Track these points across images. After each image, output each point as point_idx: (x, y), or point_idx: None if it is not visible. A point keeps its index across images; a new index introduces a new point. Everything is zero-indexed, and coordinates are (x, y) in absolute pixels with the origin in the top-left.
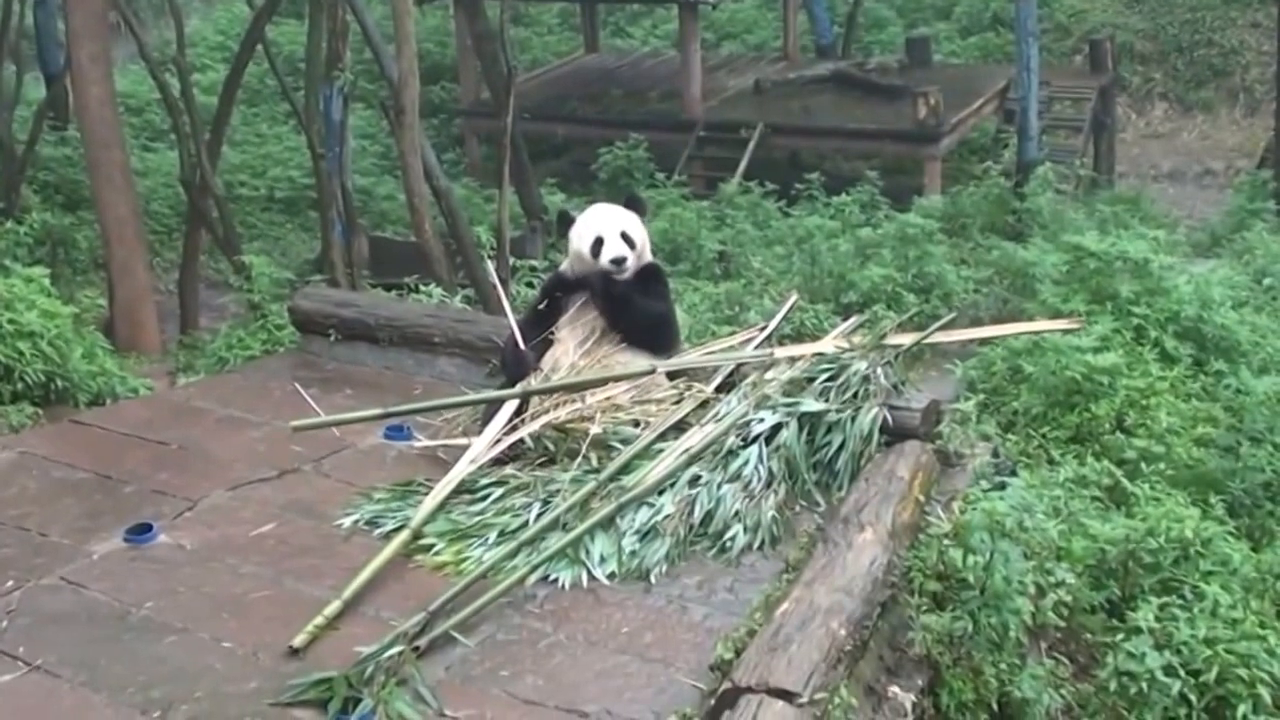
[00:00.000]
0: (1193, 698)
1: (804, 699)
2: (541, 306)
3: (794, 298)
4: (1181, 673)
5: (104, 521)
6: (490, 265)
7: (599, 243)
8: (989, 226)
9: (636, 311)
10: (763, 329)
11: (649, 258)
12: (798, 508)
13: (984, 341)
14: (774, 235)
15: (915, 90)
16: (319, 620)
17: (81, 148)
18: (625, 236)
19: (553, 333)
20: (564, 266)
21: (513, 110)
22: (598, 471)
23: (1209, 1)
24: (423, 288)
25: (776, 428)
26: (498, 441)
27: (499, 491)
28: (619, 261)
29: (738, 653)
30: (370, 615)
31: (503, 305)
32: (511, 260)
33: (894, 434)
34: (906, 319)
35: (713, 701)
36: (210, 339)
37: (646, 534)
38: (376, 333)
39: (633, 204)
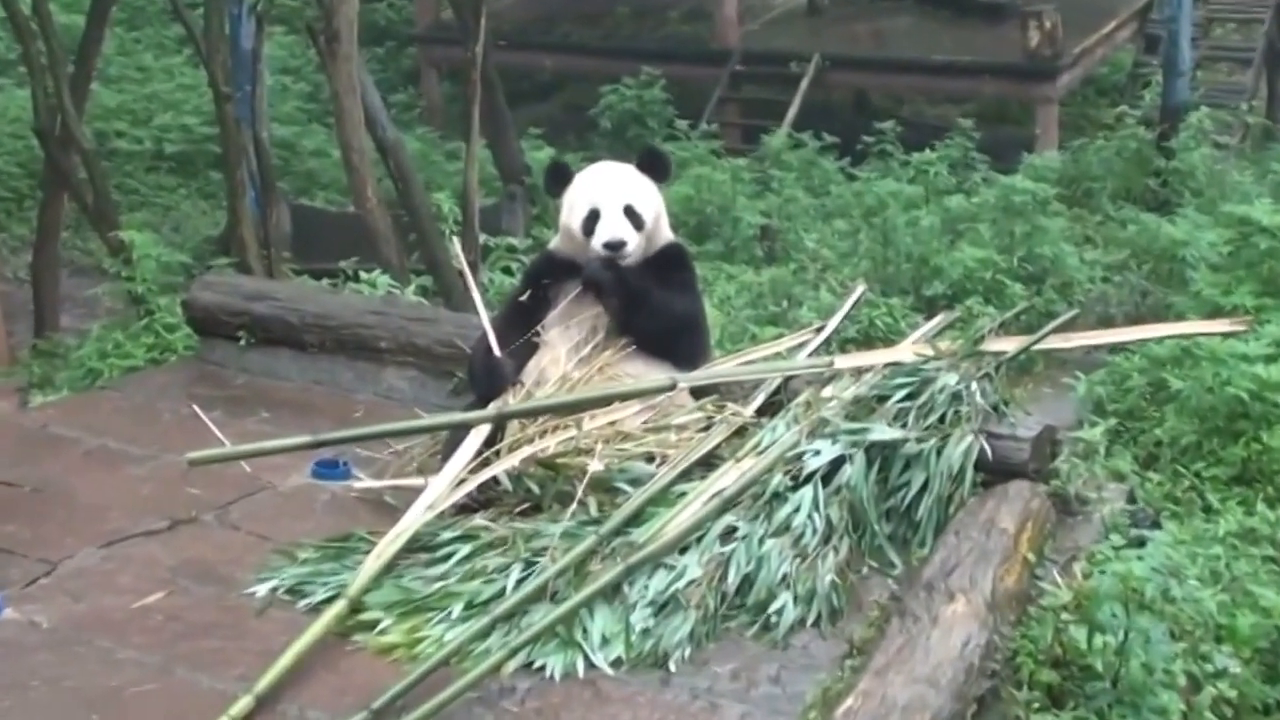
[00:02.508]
0: None
1: None
2: (524, 299)
3: (861, 289)
4: None
5: None
6: (455, 244)
7: (593, 217)
8: (1123, 193)
9: (655, 308)
10: (819, 331)
11: (667, 236)
12: (865, 570)
13: (1116, 348)
14: (834, 205)
15: (1025, 9)
16: None
17: None
18: (630, 211)
19: (538, 334)
20: (554, 245)
21: (484, 36)
22: (599, 522)
23: None
24: (364, 274)
25: (837, 463)
26: (464, 481)
27: (466, 549)
28: (616, 246)
29: None
30: (293, 716)
31: (471, 298)
32: (483, 237)
33: (994, 471)
34: (1011, 317)
35: None
36: (76, 344)
37: (664, 606)
38: (302, 335)
39: (650, 163)
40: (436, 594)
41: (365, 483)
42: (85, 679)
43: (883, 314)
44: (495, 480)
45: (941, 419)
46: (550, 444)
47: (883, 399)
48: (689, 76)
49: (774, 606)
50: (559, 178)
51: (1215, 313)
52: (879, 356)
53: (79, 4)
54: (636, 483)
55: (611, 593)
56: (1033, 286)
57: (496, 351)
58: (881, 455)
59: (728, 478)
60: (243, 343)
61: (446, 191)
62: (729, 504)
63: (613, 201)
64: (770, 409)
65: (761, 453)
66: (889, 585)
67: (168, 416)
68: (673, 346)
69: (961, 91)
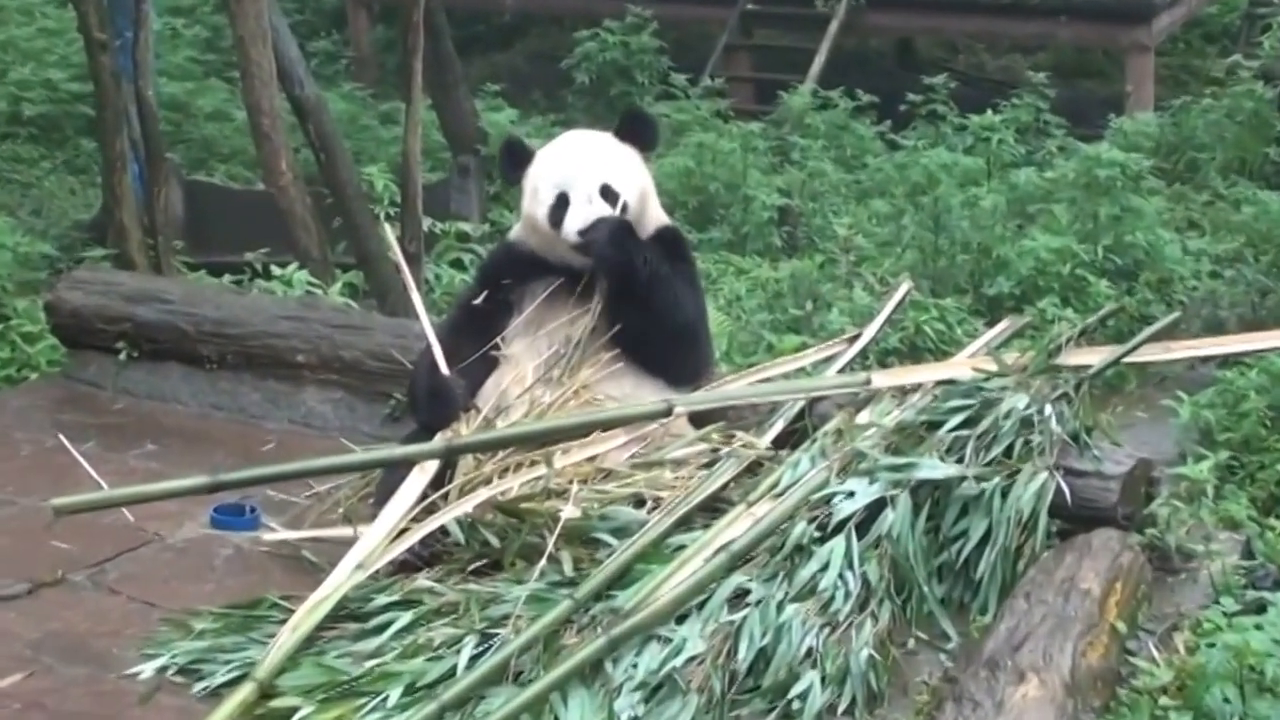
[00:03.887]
0: None
1: None
2: (479, 302)
3: (906, 287)
4: None
5: None
6: (391, 232)
7: (561, 203)
8: (1236, 166)
9: (667, 305)
10: (853, 340)
11: (660, 219)
12: (912, 643)
13: (1228, 361)
14: (871, 180)
15: None
16: None
17: None
18: (607, 192)
19: (498, 347)
20: (516, 233)
21: None
22: (574, 583)
23: None
24: (276, 270)
25: (876, 508)
26: (404, 532)
27: (406, 617)
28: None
29: None
30: None
31: (412, 299)
32: (427, 222)
33: (1075, 518)
34: (1095, 323)
35: None
36: None
37: (657, 690)
38: (198, 347)
39: (632, 129)
40: (369, 675)
41: (278, 533)
42: None
43: (933, 319)
44: (443, 531)
45: (1008, 451)
46: (513, 485)
47: (933, 426)
48: (688, 18)
49: (797, 689)
50: (516, 157)
51: None
52: (929, 373)
53: None
54: (622, 533)
55: (591, 672)
56: (1123, 284)
57: (444, 368)
58: (932, 497)
59: (737, 526)
60: (123, 357)
61: (381, 164)
62: (739, 560)
63: (584, 181)
64: (791, 439)
65: (780, 495)
66: (941, 662)
67: (27, 450)
68: (672, 360)
69: (1032, 37)
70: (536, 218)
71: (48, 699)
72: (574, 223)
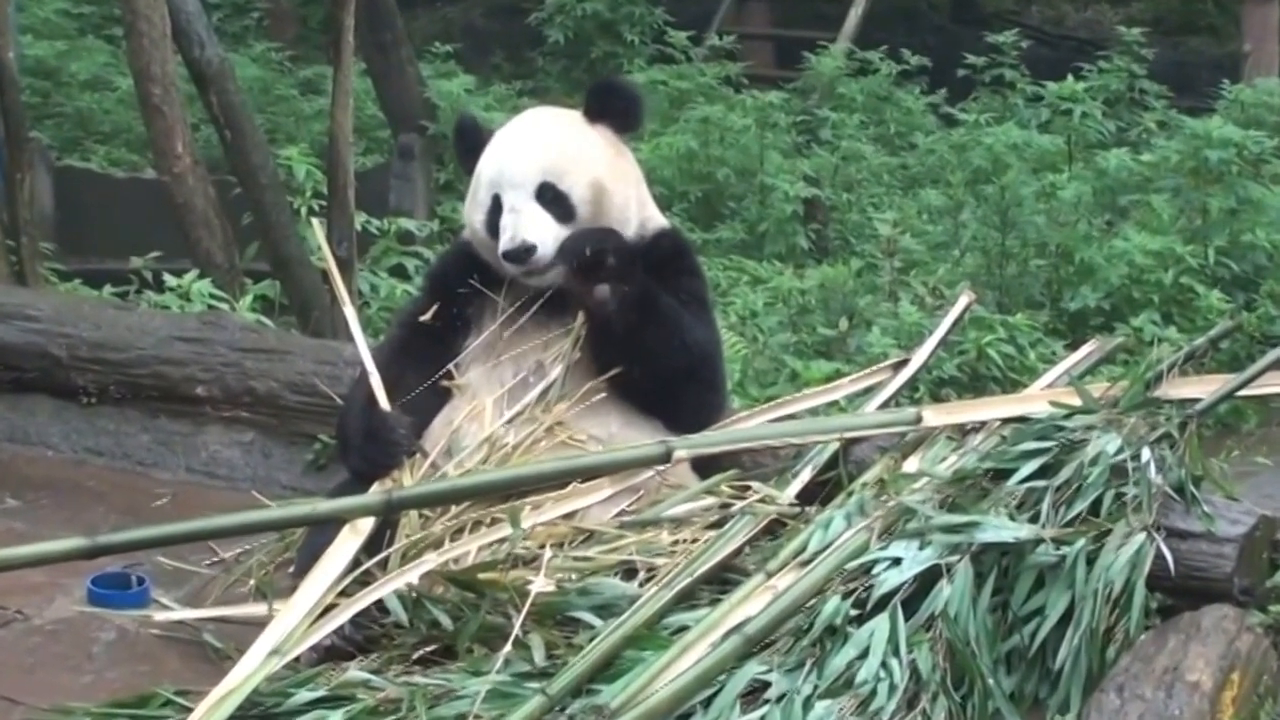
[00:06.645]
0: None
1: None
2: (426, 319)
3: (965, 301)
4: None
5: None
6: (319, 228)
7: (496, 206)
8: None
9: (671, 343)
10: (899, 367)
11: (656, 221)
12: None
13: None
14: (921, 165)
15: None
16: None
17: None
18: (548, 194)
19: (451, 375)
20: (470, 234)
21: None
22: (547, 675)
23: None
24: (171, 279)
25: (928, 578)
26: (331, 609)
27: (336, 717)
28: (518, 256)
29: None
30: None
31: (343, 316)
32: (361, 218)
33: (1180, 591)
34: (1205, 345)
35: None
36: None
37: None
38: (72, 376)
39: (602, 105)
40: None
41: (173, 611)
42: None
43: (1000, 340)
44: (381, 608)
45: (1094, 508)
46: (469, 549)
47: (1000, 476)
48: None
49: None
50: (468, 140)
51: None
52: (994, 408)
53: None
54: (607, 611)
55: None
56: (1240, 296)
57: (384, 402)
58: (999, 566)
59: (753, 603)
60: None
61: (302, 145)
62: (755, 644)
63: (518, 179)
64: (821, 492)
65: (808, 562)
66: None
67: None
68: (676, 404)
69: None
70: (474, 225)
71: None
72: (502, 238)
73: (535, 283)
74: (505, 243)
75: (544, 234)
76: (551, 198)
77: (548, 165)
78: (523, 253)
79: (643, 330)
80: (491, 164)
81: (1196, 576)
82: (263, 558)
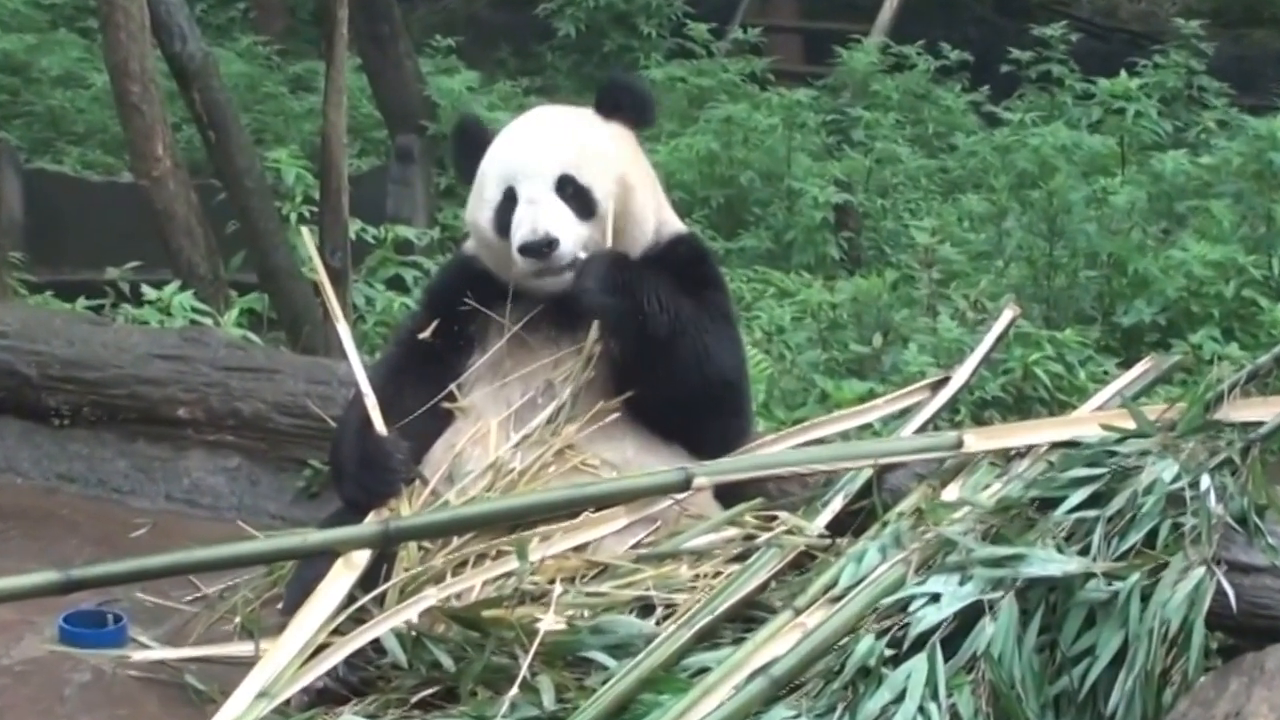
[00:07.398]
0: None
1: None
2: (426, 336)
3: (1010, 315)
4: None
5: None
6: (310, 236)
7: (509, 202)
8: None
9: (692, 361)
10: (938, 387)
11: (673, 226)
12: None
13: None
14: (962, 169)
15: None
16: None
17: None
18: (568, 187)
19: (453, 397)
20: (472, 246)
21: None
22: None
23: None
24: (150, 291)
25: (970, 616)
26: (324, 649)
27: None
28: (537, 249)
29: None
30: None
31: (336, 332)
32: (356, 226)
33: (1242, 629)
34: (1270, 364)
35: None
36: None
37: None
38: (43, 397)
39: (615, 102)
40: None
41: (152, 651)
42: None
43: (1047, 358)
44: (378, 647)
45: (1150, 539)
46: (473, 584)
47: (1048, 505)
48: None
49: None
50: (469, 141)
51: None
52: (1041, 431)
53: None
54: (622, 651)
55: None
56: None
57: (380, 425)
58: (1046, 602)
59: (781, 642)
60: None
61: (292, 147)
62: (783, 687)
63: (536, 170)
64: (853, 522)
65: (839, 598)
66: None
67: None
68: (697, 428)
69: None
70: (479, 224)
71: None
72: (518, 232)
73: (549, 285)
74: (525, 235)
75: (565, 228)
76: (572, 192)
77: (568, 157)
78: (544, 245)
79: (663, 349)
80: (502, 157)
81: (1261, 614)
82: (249, 593)
